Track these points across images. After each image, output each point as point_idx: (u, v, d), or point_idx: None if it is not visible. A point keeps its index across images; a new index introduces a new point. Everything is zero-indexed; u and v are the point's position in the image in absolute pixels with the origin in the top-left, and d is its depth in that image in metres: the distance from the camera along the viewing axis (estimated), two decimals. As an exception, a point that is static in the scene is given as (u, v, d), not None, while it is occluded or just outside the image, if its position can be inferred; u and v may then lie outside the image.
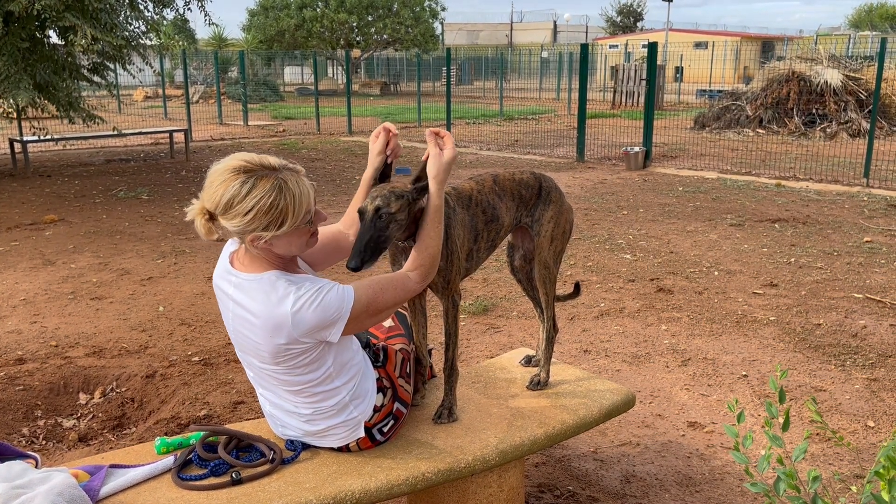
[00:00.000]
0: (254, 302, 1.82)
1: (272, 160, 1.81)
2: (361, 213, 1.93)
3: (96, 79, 10.50)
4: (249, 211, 1.73)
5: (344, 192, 8.67)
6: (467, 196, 2.23)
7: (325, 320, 1.80)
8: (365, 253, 1.87)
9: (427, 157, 2.04)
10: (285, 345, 1.81)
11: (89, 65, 10.24)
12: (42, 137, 9.98)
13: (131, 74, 10.70)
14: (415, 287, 1.97)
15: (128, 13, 9.74)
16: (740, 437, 1.34)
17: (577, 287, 2.79)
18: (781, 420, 1.34)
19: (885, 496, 1.20)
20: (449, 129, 14.25)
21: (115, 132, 10.51)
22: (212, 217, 1.78)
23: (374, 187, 2.02)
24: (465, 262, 2.24)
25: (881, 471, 1.23)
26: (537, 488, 2.73)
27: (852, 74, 15.26)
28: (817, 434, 3.11)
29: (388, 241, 1.93)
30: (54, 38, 9.55)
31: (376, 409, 2.04)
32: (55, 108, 9.51)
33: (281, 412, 2.02)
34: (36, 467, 1.87)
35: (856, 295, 4.91)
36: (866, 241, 6.33)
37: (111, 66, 10.53)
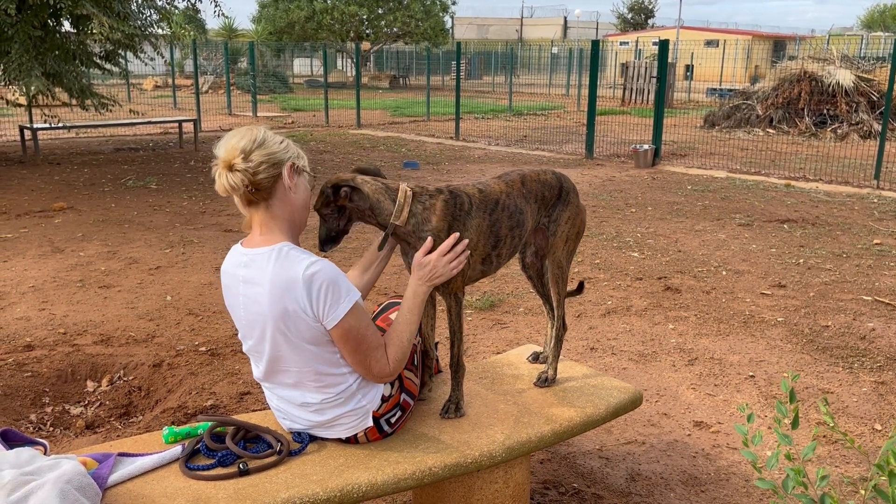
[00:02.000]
0: (263, 271, 1.87)
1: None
2: None
3: (108, 66, 10.53)
4: (283, 141, 1.95)
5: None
6: (494, 200, 2.20)
7: (332, 292, 1.85)
8: (320, 237, 2.11)
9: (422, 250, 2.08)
10: (291, 310, 1.85)
11: (101, 52, 10.26)
12: (53, 125, 10.01)
13: (143, 63, 10.72)
14: (384, 364, 1.98)
15: (140, 2, 9.75)
16: (749, 435, 1.33)
17: (580, 285, 2.80)
18: (790, 419, 1.33)
19: (890, 490, 1.19)
20: (458, 123, 14.21)
21: (133, 114, 10.55)
22: (245, 159, 1.87)
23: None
24: (481, 266, 2.23)
25: (882, 464, 1.23)
26: (542, 485, 2.73)
27: (864, 75, 15.16)
28: (824, 436, 3.10)
29: (336, 229, 2.09)
30: (66, 26, 9.57)
31: (384, 399, 2.04)
32: (67, 96, 9.54)
33: (289, 405, 2.03)
34: (45, 454, 1.88)
35: (864, 297, 4.89)
36: (876, 244, 6.30)
37: (123, 53, 10.56)
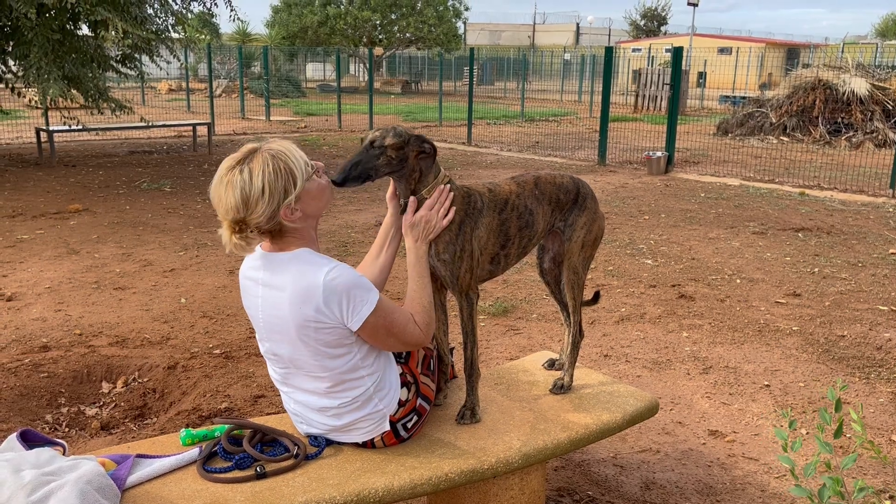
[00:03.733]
0: (284, 276, 1.87)
1: (251, 145, 1.89)
2: (361, 140, 2.07)
3: (125, 70, 10.61)
4: (263, 188, 1.80)
5: (364, 190, 8.68)
6: (503, 199, 2.22)
7: (353, 297, 1.85)
8: (351, 172, 1.99)
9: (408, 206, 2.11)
10: (313, 317, 1.84)
11: (118, 56, 10.34)
12: (73, 127, 10.09)
13: (158, 66, 10.80)
14: (416, 332, 2.00)
15: (156, 7, 9.83)
16: (789, 443, 1.32)
17: (596, 294, 2.80)
18: (834, 427, 1.32)
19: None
20: (470, 129, 14.22)
21: (143, 122, 10.62)
22: (242, 226, 1.83)
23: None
24: (490, 265, 2.24)
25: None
26: (556, 492, 2.72)
27: (879, 84, 15.07)
28: (841, 447, 3.08)
29: (376, 171, 2.02)
30: (85, 29, 9.65)
31: (401, 404, 2.04)
32: (84, 99, 9.62)
33: (305, 408, 2.03)
34: (63, 455, 1.89)
35: (881, 307, 4.85)
36: (891, 253, 6.25)
37: (139, 57, 10.64)
